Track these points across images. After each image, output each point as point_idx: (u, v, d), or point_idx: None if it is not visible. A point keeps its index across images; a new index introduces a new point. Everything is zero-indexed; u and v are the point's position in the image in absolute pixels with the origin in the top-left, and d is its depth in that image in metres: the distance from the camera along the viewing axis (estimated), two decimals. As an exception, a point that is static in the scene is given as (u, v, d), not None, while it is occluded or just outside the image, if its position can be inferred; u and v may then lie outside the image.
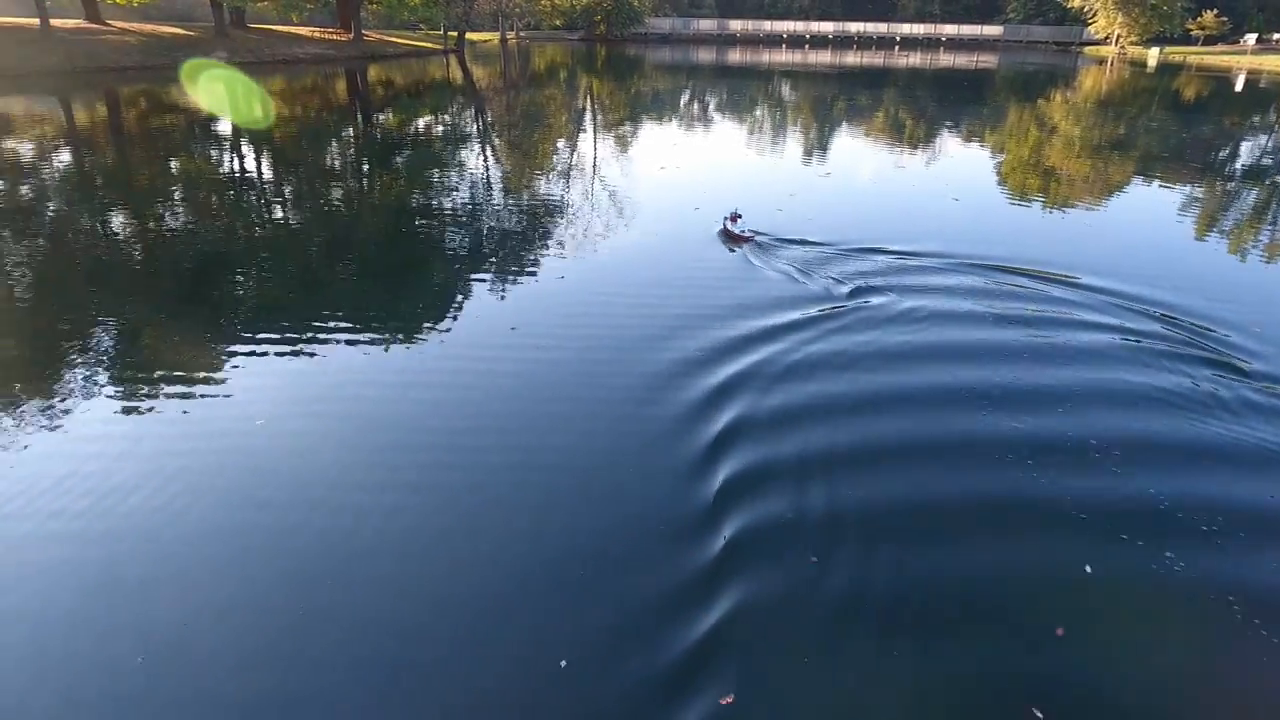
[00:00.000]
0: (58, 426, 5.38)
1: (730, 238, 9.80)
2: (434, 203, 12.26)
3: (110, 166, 15.20)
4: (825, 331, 6.94)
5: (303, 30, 52.04)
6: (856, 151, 18.04)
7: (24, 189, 12.80)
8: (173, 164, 15.52)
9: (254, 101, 27.14)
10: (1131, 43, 68.49)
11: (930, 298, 7.82)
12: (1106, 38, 70.78)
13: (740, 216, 9.89)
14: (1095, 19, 70.05)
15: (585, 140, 18.72)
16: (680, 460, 5.02)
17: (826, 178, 14.34)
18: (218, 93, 28.59)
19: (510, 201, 12.26)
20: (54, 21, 35.62)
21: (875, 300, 7.68)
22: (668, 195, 12.49)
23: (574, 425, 5.48)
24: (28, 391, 5.87)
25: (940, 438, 5.40)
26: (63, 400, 5.74)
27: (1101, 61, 60.95)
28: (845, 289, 7.95)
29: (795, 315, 7.27)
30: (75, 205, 11.88)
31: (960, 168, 16.15)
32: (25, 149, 16.25)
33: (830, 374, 6.20)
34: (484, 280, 8.49)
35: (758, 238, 9.64)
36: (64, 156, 15.73)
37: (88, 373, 6.18)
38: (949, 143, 20.19)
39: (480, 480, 4.85)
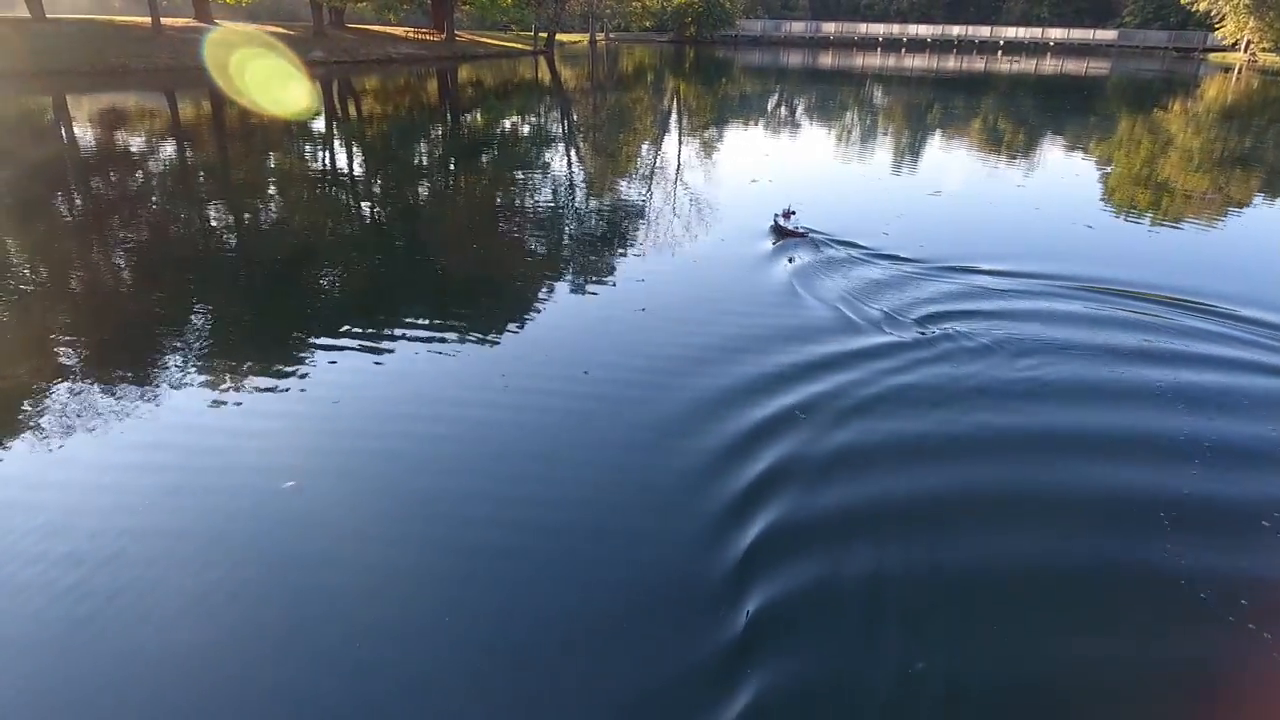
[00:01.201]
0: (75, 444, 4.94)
1: (782, 233, 10.05)
2: (514, 216, 11.71)
3: (203, 160, 15.28)
4: (955, 391, 5.97)
5: (398, 30, 53.14)
6: (967, 169, 16.61)
7: (128, 178, 12.90)
8: (262, 158, 15.54)
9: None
10: (1264, 49, 63.27)
11: (1058, 336, 6.77)
12: (1235, 44, 65.65)
13: (794, 213, 10.25)
14: (1223, 23, 64.96)
15: (673, 149, 17.94)
16: (732, 521, 4.23)
17: (936, 197, 13.13)
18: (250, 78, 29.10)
19: (594, 218, 11.58)
20: (165, 20, 37.16)
21: (987, 339, 6.64)
22: (760, 213, 11.50)
23: (643, 492, 4.72)
24: (54, 403, 5.48)
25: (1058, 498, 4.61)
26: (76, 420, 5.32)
27: (1228, 69, 56.50)
28: (967, 330, 6.91)
29: (916, 377, 6.30)
30: (166, 196, 11.88)
31: (1089, 190, 14.58)
32: (133, 142, 16.59)
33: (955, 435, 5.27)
34: (561, 310, 7.79)
35: (811, 235, 9.90)
36: (166, 150, 15.95)
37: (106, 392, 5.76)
38: (1073, 161, 18.47)
39: (516, 536, 4.23)
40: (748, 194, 12.41)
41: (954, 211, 12.27)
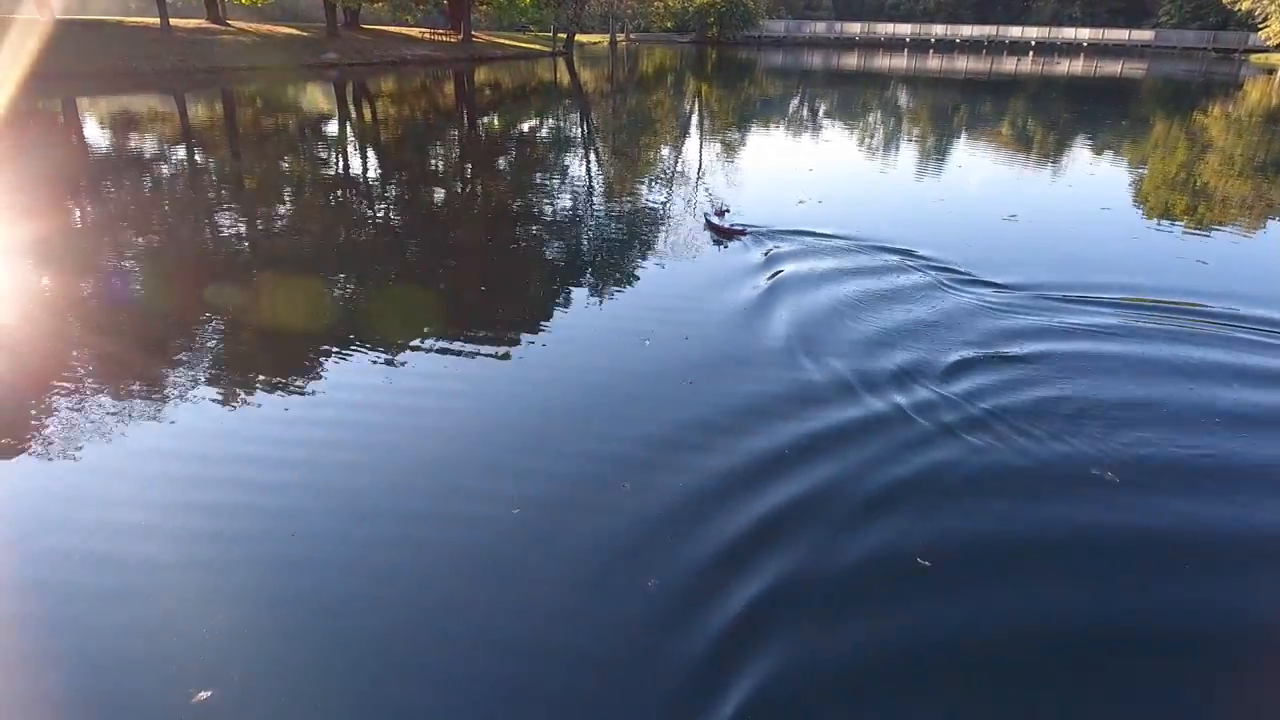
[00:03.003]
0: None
1: (719, 232, 9.72)
2: (535, 249, 10.25)
3: (202, 168, 13.98)
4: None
5: (414, 31, 52.08)
6: (1037, 187, 14.72)
7: (135, 183, 11.63)
8: (269, 165, 14.22)
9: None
10: (1311, 50, 60.93)
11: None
12: (1279, 45, 63.26)
13: (728, 210, 10.03)
14: (1267, 24, 62.61)
15: (705, 163, 16.39)
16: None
17: (1012, 222, 11.50)
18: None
19: (623, 254, 9.94)
20: (175, 21, 36.17)
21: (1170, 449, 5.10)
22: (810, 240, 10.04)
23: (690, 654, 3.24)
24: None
25: None
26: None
27: (1271, 71, 54.32)
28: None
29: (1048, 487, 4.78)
30: (177, 203, 10.79)
31: (1184, 213, 12.78)
32: (138, 147, 15.34)
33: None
34: (593, 384, 6.27)
35: (749, 230, 9.73)
36: (174, 156, 14.66)
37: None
38: (1152, 178, 16.66)
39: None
40: (796, 218, 10.84)
41: (1038, 242, 10.60)
